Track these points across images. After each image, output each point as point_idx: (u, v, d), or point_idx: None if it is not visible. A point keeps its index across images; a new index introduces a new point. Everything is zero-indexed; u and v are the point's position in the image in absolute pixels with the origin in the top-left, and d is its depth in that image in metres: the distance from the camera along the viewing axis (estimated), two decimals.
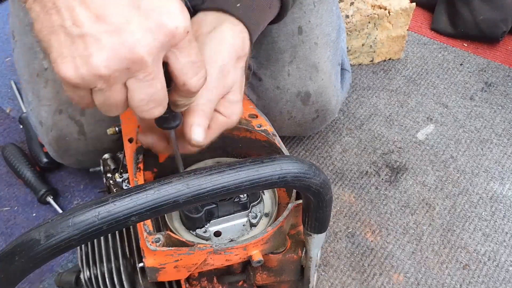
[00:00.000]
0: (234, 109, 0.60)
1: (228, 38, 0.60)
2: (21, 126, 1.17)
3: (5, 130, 1.20)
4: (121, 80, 0.43)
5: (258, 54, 0.93)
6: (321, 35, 0.95)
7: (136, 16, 0.41)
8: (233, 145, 0.73)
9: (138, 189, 0.38)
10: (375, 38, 1.29)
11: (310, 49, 0.93)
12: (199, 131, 0.55)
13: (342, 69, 1.11)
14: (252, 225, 0.65)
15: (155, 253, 0.53)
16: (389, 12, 1.24)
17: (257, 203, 0.66)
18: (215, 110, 0.58)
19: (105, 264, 0.64)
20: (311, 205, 0.51)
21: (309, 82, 0.95)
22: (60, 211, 1.03)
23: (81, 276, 0.67)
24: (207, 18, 0.62)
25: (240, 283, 0.66)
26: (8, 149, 1.11)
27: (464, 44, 1.40)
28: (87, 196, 1.08)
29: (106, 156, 0.80)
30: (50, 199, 1.04)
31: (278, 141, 0.68)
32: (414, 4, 1.25)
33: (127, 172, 0.74)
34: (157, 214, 0.38)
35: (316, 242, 0.58)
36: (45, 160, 1.09)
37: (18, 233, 1.02)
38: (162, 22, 0.42)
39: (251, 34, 0.63)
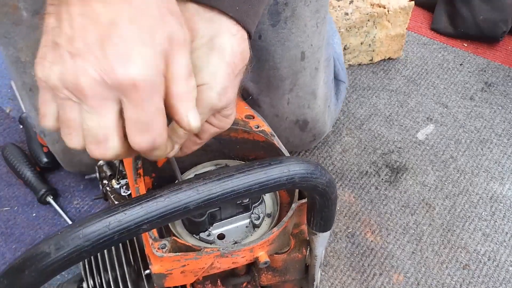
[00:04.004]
0: (228, 121, 0.57)
1: (227, 54, 0.52)
2: (21, 126, 1.16)
3: (5, 130, 1.20)
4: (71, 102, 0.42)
5: (259, 79, 0.90)
6: (322, 58, 0.93)
7: (98, 50, 0.39)
8: (230, 147, 0.72)
9: (147, 197, 0.38)
10: (374, 36, 1.29)
11: (311, 75, 0.91)
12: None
13: (338, 80, 1.09)
14: (255, 226, 0.65)
15: (161, 259, 0.52)
16: (388, 11, 1.24)
17: (259, 204, 0.66)
18: (207, 121, 0.55)
19: (109, 272, 0.63)
20: (317, 205, 0.51)
21: (307, 110, 0.95)
22: (60, 211, 1.03)
23: (84, 285, 0.66)
24: (200, 19, 0.53)
25: (244, 285, 0.66)
26: (8, 149, 1.10)
27: (464, 44, 1.41)
28: (87, 196, 1.08)
29: (101, 162, 0.79)
30: (50, 199, 1.04)
31: (276, 141, 0.67)
32: (412, 2, 1.25)
33: (124, 178, 0.73)
34: (168, 221, 0.38)
35: (321, 240, 0.58)
36: (45, 160, 1.09)
37: (18, 233, 1.02)
38: (113, 68, 0.39)
39: (250, 33, 0.55)
